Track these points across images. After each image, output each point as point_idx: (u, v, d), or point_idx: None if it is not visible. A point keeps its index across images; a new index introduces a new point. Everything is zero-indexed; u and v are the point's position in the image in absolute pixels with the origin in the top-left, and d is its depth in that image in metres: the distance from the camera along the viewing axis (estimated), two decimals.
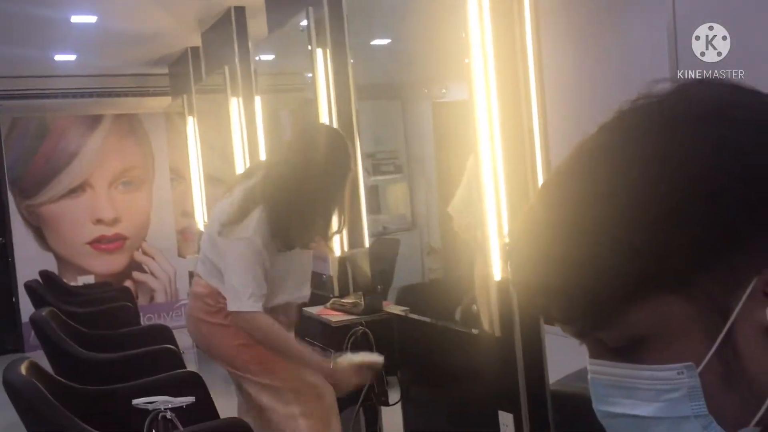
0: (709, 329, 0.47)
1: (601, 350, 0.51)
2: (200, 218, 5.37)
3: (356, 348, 2.65)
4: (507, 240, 0.55)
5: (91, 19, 4.48)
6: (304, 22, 3.09)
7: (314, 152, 2.16)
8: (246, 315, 2.15)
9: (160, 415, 1.60)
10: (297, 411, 2.28)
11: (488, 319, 2.05)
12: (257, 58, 4.09)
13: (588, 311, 0.49)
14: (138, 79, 6.37)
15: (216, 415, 2.05)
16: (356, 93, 2.94)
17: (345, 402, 2.75)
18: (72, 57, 5.55)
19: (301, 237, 2.23)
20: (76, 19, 4.43)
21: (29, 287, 4.22)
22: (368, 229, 3.02)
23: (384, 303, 2.76)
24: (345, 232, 3.04)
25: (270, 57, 4.30)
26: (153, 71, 6.16)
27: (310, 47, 3.07)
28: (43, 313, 2.66)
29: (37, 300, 3.98)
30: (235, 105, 4.32)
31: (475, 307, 2.11)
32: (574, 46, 2.02)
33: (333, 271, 3.05)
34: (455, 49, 2.09)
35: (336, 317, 2.75)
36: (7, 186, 6.51)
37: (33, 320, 2.70)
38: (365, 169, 3.08)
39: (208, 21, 4.65)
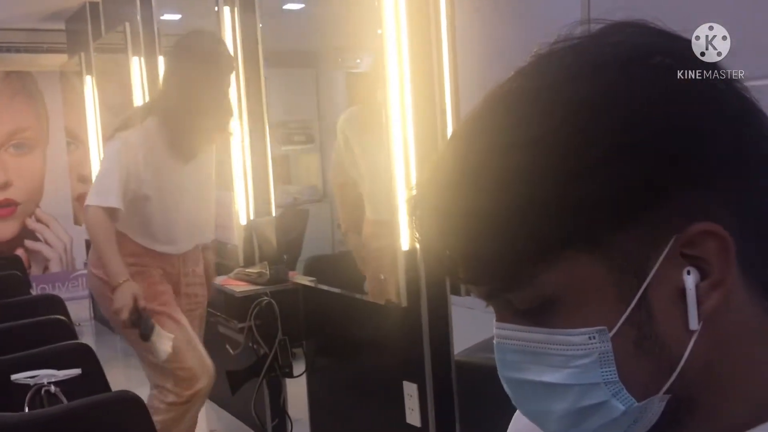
0: (624, 291, 0.45)
1: (510, 314, 0.48)
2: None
3: (259, 318, 2.59)
4: (413, 193, 0.51)
5: None
6: None
7: (187, 59, 2.32)
8: (88, 209, 2.22)
9: (43, 389, 1.49)
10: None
11: (395, 289, 2.04)
12: (162, 17, 3.89)
13: (495, 271, 0.46)
14: (31, 34, 5.96)
15: (107, 388, 1.95)
16: (266, 58, 2.84)
17: (248, 373, 2.69)
18: None
19: (197, 137, 2.35)
20: None
21: None
22: (277, 199, 2.94)
23: (290, 273, 2.71)
24: (251, 201, 2.96)
25: (176, 17, 4.10)
26: (48, 26, 5.77)
27: (216, 8, 2.94)
28: None
29: None
30: (136, 65, 4.10)
31: (383, 276, 2.09)
32: (488, 10, 2.00)
33: (238, 239, 2.96)
34: (370, 18, 2.04)
35: (240, 287, 2.67)
36: None
37: None
38: (276, 139, 2.99)
39: None
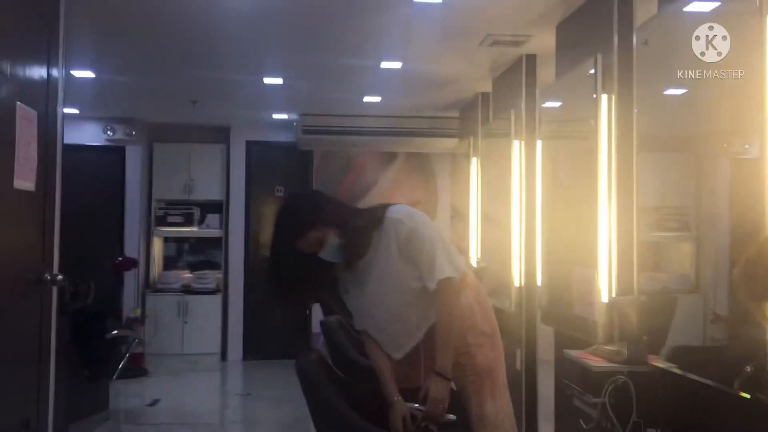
0: None
1: None
2: (473, 255, 5.61)
3: (613, 396, 2.60)
4: None
5: (397, 65, 5.00)
6: (593, 70, 3.15)
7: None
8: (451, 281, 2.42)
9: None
10: None
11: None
12: (543, 105, 4.22)
13: None
14: (431, 121, 6.89)
15: None
16: (642, 143, 2.91)
17: None
18: (377, 99, 6.22)
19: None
20: (384, 65, 4.99)
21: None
22: (645, 285, 2.93)
23: (650, 357, 2.67)
24: (614, 280, 3.01)
25: (556, 104, 4.40)
26: (445, 114, 6.63)
27: (595, 95, 3.12)
28: (332, 319, 3.04)
29: (327, 310, 4.50)
30: (516, 148, 4.49)
31: (749, 368, 1.97)
32: None
33: (599, 316, 3.02)
34: (757, 100, 2.00)
35: (597, 363, 2.73)
36: None
37: (323, 324, 3.10)
38: (647, 224, 3.01)
39: (500, 68, 4.91)
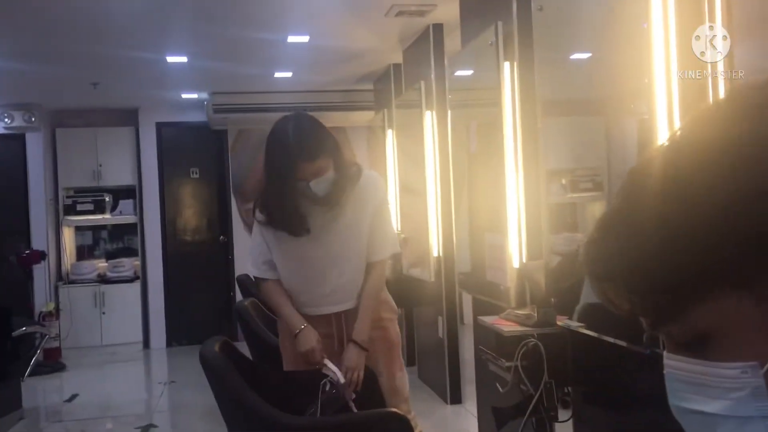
0: None
1: (673, 345, 0.52)
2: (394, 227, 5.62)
3: (525, 358, 2.65)
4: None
5: (304, 39, 4.90)
6: (494, 38, 3.16)
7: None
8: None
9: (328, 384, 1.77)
10: None
11: None
12: (454, 74, 4.22)
13: (651, 305, 0.51)
14: (345, 95, 6.81)
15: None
16: (548, 108, 2.94)
17: (514, 412, 2.76)
18: (288, 74, 6.09)
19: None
20: (291, 39, 4.88)
21: (240, 280, 4.70)
22: (561, 246, 2.98)
23: (561, 318, 2.73)
24: (524, 247, 3.06)
25: (467, 72, 4.41)
26: (360, 87, 6.56)
27: (497, 63, 3.13)
28: (245, 303, 2.97)
29: (245, 292, 4.42)
30: (428, 118, 4.48)
31: None
32: None
33: (510, 281, 3.07)
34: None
35: (509, 327, 2.77)
36: (231, 191, 7.27)
37: (236, 309, 3.03)
38: (561, 186, 3.06)
39: (409, 38, 4.88)
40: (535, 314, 2.73)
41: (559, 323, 2.69)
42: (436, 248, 4.58)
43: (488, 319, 2.94)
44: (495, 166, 3.29)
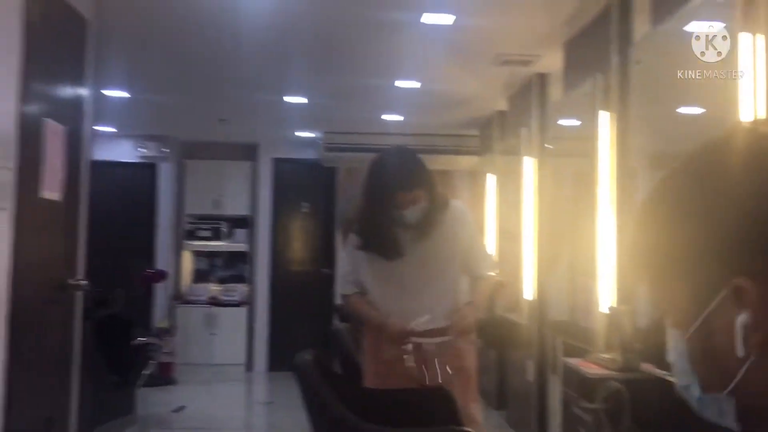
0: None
1: None
2: None
3: (607, 402, 2.68)
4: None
5: (416, 84, 5.16)
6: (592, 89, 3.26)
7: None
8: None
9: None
10: None
11: None
12: (556, 122, 4.32)
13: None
14: (452, 139, 7.01)
15: None
16: (656, 161, 2.99)
17: None
18: (398, 117, 6.38)
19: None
20: (400, 84, 5.15)
21: (337, 308, 4.94)
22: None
23: (648, 365, 2.74)
24: (614, 290, 3.10)
25: (568, 121, 4.50)
26: (465, 132, 6.76)
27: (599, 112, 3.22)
28: (340, 325, 3.18)
29: (343, 318, 4.65)
30: (527, 164, 4.60)
31: None
32: None
33: (597, 325, 3.11)
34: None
35: (592, 370, 2.81)
36: (336, 226, 7.59)
37: (331, 330, 3.24)
38: None
39: (514, 86, 5.04)
40: (620, 359, 2.76)
41: (646, 370, 2.71)
42: (529, 292, 4.64)
43: (574, 361, 2.99)
44: (592, 213, 3.37)
